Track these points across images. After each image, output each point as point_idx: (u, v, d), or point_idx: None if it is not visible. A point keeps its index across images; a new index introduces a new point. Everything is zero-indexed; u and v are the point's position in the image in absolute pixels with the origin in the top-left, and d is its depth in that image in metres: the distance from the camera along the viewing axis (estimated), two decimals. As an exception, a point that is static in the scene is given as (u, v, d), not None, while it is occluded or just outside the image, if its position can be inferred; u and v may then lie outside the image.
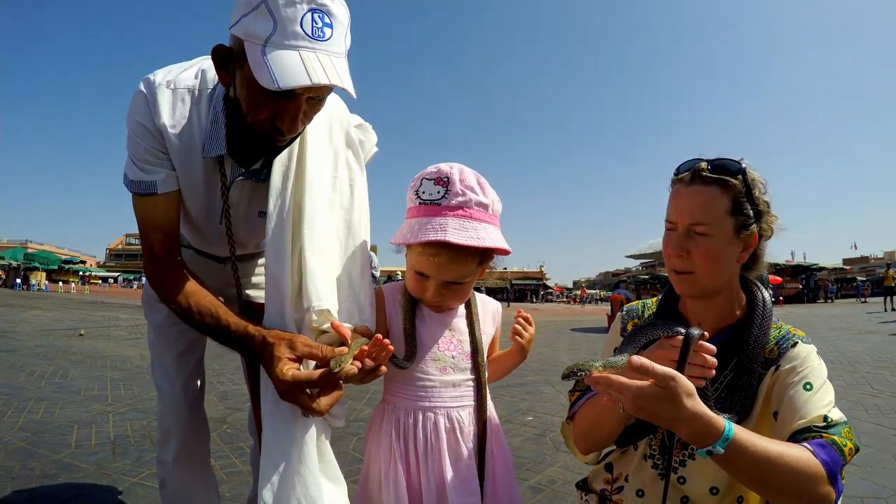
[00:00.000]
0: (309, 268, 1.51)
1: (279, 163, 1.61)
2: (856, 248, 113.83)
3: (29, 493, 3.07)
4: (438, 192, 1.51)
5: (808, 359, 1.40)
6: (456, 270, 1.54)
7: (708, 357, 1.30)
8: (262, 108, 1.43)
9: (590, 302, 66.19)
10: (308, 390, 1.41)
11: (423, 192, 1.53)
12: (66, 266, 63.73)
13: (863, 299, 41.79)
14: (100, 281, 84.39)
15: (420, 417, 1.58)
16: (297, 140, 1.64)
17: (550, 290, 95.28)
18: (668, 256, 1.49)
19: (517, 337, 1.77)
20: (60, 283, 49.73)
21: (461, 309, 1.74)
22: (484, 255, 1.58)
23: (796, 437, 1.27)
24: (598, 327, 17.52)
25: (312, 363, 1.47)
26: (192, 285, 1.57)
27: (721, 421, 1.13)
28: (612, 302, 17.40)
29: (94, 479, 3.32)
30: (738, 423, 1.30)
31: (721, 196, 1.40)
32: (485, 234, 1.49)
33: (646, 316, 1.68)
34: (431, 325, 1.67)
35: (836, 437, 1.23)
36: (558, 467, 3.79)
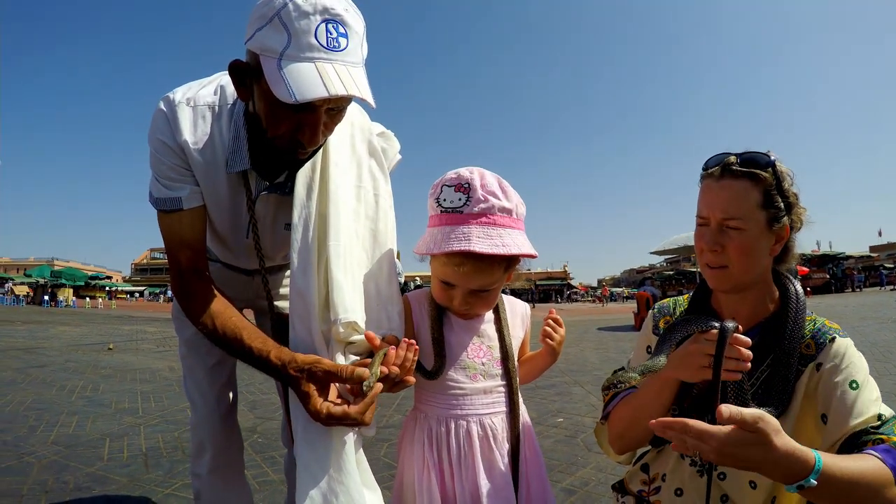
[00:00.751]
0: (335, 280, 1.50)
1: (303, 175, 1.61)
2: (881, 235, 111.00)
3: (63, 506, 3.07)
4: (460, 200, 1.47)
5: (848, 354, 1.38)
6: (482, 279, 1.51)
7: (743, 350, 1.27)
8: (281, 121, 1.42)
9: (614, 300, 65.64)
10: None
11: (444, 200, 1.50)
12: (93, 282, 64.67)
13: (891, 287, 41.06)
14: (126, 295, 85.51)
15: (452, 426, 1.56)
16: (320, 151, 1.64)
17: (575, 290, 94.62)
18: (701, 251, 1.47)
19: (548, 339, 1.72)
20: (87, 299, 50.54)
21: (489, 314, 1.71)
22: (510, 260, 1.54)
23: (854, 440, 1.26)
24: (625, 325, 17.43)
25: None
26: (218, 304, 1.58)
27: (810, 452, 1.07)
28: (638, 299, 17.34)
29: (127, 490, 3.33)
30: (777, 416, 1.32)
31: (752, 189, 1.39)
32: (510, 241, 1.46)
33: (677, 313, 1.66)
34: (459, 332, 1.65)
35: (895, 438, 1.22)
36: (591, 468, 3.74)
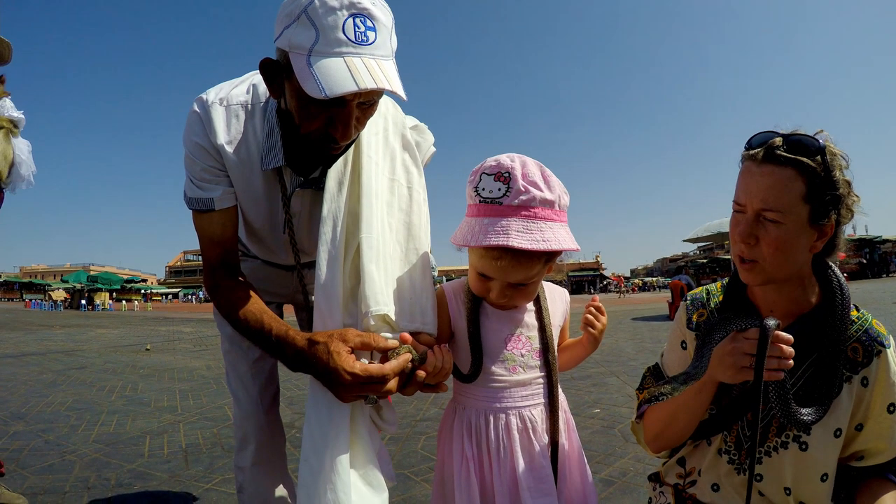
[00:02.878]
0: (367, 271, 1.48)
1: (334, 169, 1.61)
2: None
3: (105, 502, 3.10)
4: (500, 190, 1.39)
5: (892, 368, 1.34)
6: (521, 273, 1.44)
7: (785, 348, 1.21)
8: (313, 117, 1.42)
9: (645, 290, 64.69)
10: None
11: (483, 190, 1.42)
12: (129, 285, 66.07)
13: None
14: (161, 298, 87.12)
15: (491, 419, 1.52)
16: (353, 146, 1.63)
17: (609, 280, 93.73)
18: (734, 242, 1.37)
19: (589, 328, 1.65)
20: (124, 302, 51.55)
21: (529, 304, 1.64)
22: (551, 253, 1.45)
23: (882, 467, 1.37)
24: (660, 315, 17.30)
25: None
26: (243, 293, 1.59)
27: None
28: (672, 289, 17.20)
29: (168, 486, 3.34)
30: (815, 422, 1.30)
31: (796, 179, 1.25)
32: (550, 235, 1.38)
33: (711, 304, 1.56)
34: (498, 323, 1.59)
35: None
36: (629, 459, 3.69)
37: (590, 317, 1.65)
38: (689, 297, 1.63)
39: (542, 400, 1.57)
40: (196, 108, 1.58)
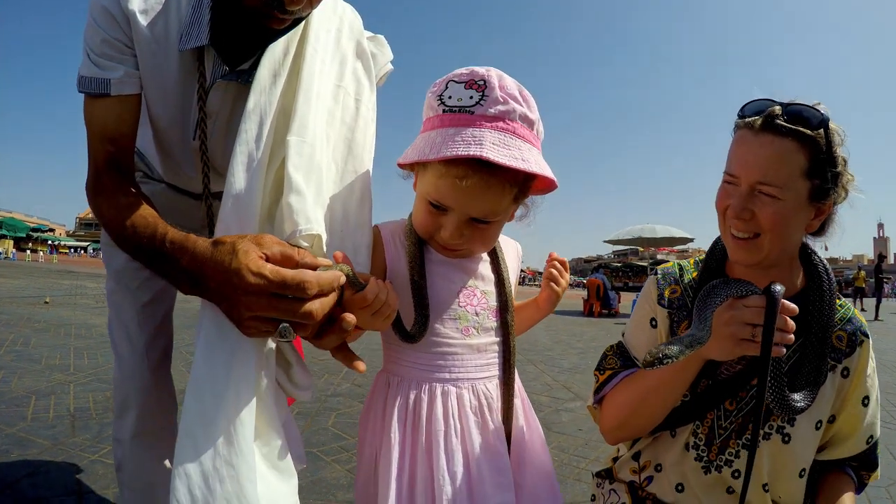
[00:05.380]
0: (294, 184, 1.15)
1: (270, 57, 1.29)
2: (827, 249, 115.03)
3: (-27, 471, 2.79)
4: (471, 98, 1.14)
5: (871, 363, 1.32)
6: (487, 202, 1.18)
7: (789, 320, 1.09)
8: None
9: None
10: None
11: (450, 98, 1.16)
12: (35, 234, 62.67)
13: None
14: (69, 251, 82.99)
15: (438, 392, 1.25)
16: (297, 34, 1.34)
17: (523, 272, 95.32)
18: (727, 217, 1.25)
19: (552, 284, 1.47)
20: (28, 252, 48.97)
21: (484, 254, 1.40)
22: (521, 188, 1.22)
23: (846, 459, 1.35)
24: (574, 311, 17.58)
25: None
26: (133, 198, 1.23)
27: None
28: (588, 286, 17.58)
29: (50, 455, 3.04)
30: (806, 409, 1.22)
31: (797, 152, 1.15)
32: (531, 158, 1.13)
33: (685, 280, 1.43)
34: (447, 272, 1.32)
35: (874, 473, 1.38)
36: (552, 448, 3.59)
37: (554, 272, 1.47)
38: (659, 272, 1.49)
39: (497, 372, 1.33)
40: None
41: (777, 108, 1.18)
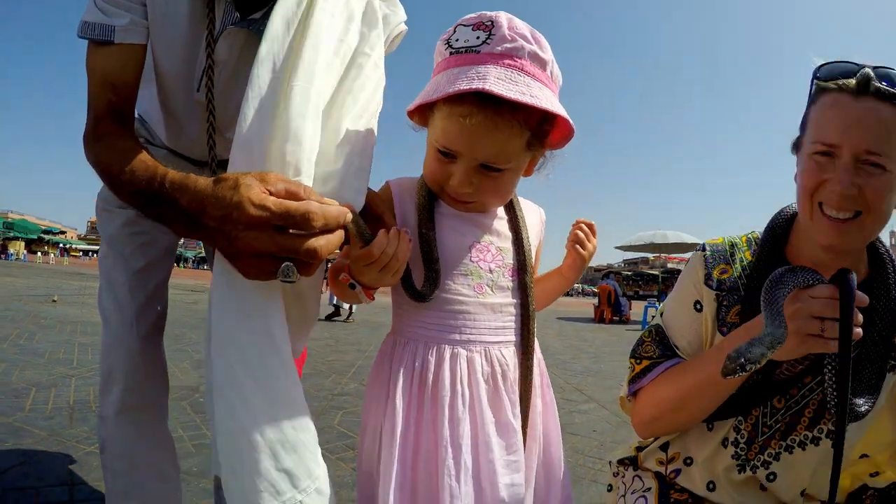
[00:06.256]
0: (293, 131, 1.05)
1: (283, 6, 1.18)
2: None
3: (-34, 458, 2.70)
4: (478, 38, 1.07)
5: None
6: (494, 143, 1.08)
7: (859, 313, 0.94)
8: None
9: (569, 294, 66.53)
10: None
11: (457, 41, 1.10)
12: (46, 237, 63.22)
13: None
14: (80, 254, 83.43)
15: (446, 355, 1.13)
16: None
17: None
18: (821, 194, 1.07)
19: (578, 247, 1.34)
20: (39, 254, 49.32)
21: (500, 210, 1.29)
22: (535, 132, 1.11)
23: None
24: (584, 317, 17.60)
25: None
26: (134, 143, 1.17)
27: None
28: (600, 292, 17.66)
29: (45, 445, 2.95)
30: (868, 413, 1.09)
31: None
32: (539, 94, 1.04)
33: (737, 260, 1.25)
34: (459, 226, 1.22)
35: None
36: (566, 448, 3.48)
37: (580, 234, 1.35)
38: (707, 248, 1.30)
39: (514, 338, 1.21)
40: None
41: (870, 71, 1.04)
